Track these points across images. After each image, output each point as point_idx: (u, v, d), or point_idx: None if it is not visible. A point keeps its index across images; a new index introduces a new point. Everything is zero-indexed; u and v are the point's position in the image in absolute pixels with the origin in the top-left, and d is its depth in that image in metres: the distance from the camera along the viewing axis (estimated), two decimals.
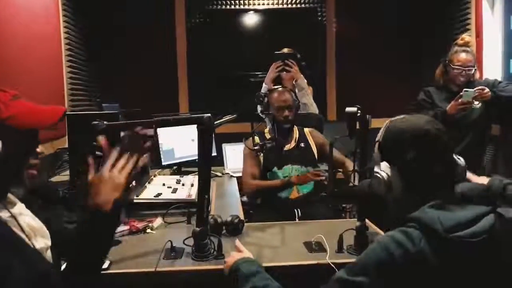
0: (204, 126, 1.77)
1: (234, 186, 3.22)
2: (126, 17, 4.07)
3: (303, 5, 4.28)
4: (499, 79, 3.16)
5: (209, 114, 1.78)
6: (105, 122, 1.50)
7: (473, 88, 2.76)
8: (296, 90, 3.31)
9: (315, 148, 2.85)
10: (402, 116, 1.24)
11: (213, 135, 2.24)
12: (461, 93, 2.77)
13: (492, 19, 3.41)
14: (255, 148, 2.42)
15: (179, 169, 3.55)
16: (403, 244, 1.04)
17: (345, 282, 1.08)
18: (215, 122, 2.15)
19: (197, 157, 3.37)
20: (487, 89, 2.76)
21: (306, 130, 2.92)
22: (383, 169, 1.18)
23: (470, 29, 3.51)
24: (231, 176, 3.54)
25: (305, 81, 3.36)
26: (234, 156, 3.78)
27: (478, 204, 1.10)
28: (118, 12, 4.05)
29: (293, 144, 2.84)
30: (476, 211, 1.07)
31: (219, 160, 3.70)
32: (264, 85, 3.32)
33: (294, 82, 3.34)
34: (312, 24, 4.31)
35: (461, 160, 1.19)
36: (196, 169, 3.29)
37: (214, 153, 3.56)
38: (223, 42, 4.22)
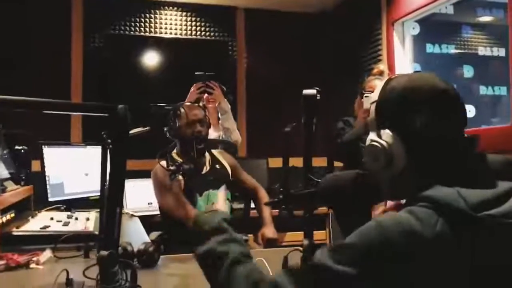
0: (118, 118, 1.42)
1: (137, 224, 2.81)
2: (15, 28, 3.59)
3: (213, 38, 4.14)
4: None
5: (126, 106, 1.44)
6: None
7: None
8: (219, 114, 3.13)
9: (229, 168, 2.61)
10: (404, 73, 1.02)
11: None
12: (362, 100, 2.73)
13: (404, 60, 3.52)
14: (171, 168, 2.08)
15: (69, 208, 3.04)
16: (411, 226, 0.79)
17: (326, 270, 0.81)
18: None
19: (91, 194, 2.99)
20: None
21: (214, 151, 2.67)
22: (384, 138, 0.93)
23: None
24: (132, 215, 3.11)
25: (228, 105, 3.16)
26: (135, 194, 3.37)
27: (503, 179, 0.89)
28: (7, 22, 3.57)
29: (208, 167, 2.56)
30: (504, 187, 0.86)
31: None
32: None
33: (216, 105, 3.14)
34: (222, 58, 4.16)
35: None
36: (89, 209, 2.80)
37: None
38: (123, 70, 3.88)
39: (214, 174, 2.55)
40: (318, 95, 1.22)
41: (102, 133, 1.53)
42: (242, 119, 4.11)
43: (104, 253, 1.35)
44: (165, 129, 2.58)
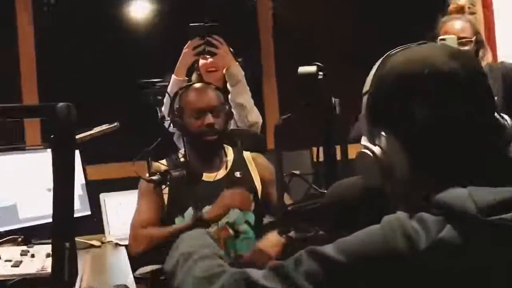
0: (59, 121, 1.59)
1: (122, 258, 2.99)
2: None
3: None
4: None
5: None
6: None
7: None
8: (228, 85, 3.16)
9: (258, 181, 2.71)
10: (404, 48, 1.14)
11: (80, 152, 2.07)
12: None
13: None
14: (152, 178, 2.25)
15: (27, 240, 3.25)
16: (410, 235, 0.97)
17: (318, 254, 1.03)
18: (82, 135, 2.02)
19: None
20: None
21: (247, 154, 2.79)
22: (377, 143, 1.09)
23: None
24: (118, 244, 3.30)
25: (241, 70, 3.19)
26: (120, 213, 3.54)
27: None
28: None
29: (222, 172, 2.69)
30: None
31: (97, 224, 3.43)
32: (173, 77, 3.11)
33: (224, 71, 3.16)
34: (237, 6, 4.31)
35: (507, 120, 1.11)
36: None
37: (87, 212, 3.32)
38: (91, 31, 4.09)
39: (227, 184, 2.62)
40: (319, 74, 1.33)
41: (52, 136, 1.72)
42: (272, 89, 4.23)
43: None
44: (164, 117, 2.63)
